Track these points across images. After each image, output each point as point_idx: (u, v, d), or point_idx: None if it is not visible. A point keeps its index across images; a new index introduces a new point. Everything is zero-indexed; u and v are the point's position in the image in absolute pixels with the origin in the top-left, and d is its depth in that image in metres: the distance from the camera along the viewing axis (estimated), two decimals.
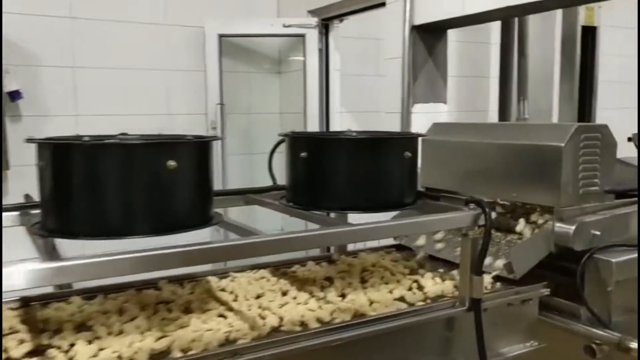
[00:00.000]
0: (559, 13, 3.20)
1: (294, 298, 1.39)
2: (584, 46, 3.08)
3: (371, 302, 1.37)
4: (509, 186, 1.69)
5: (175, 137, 1.21)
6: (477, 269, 1.34)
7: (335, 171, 1.40)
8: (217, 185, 3.66)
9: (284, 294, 1.43)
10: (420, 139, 1.56)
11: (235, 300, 1.38)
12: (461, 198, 1.44)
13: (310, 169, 1.43)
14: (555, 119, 3.55)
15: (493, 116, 3.88)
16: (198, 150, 1.21)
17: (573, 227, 1.52)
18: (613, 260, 1.51)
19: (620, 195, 1.70)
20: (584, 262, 1.53)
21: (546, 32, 3.22)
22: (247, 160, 3.84)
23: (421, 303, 1.40)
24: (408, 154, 1.42)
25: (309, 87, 3.63)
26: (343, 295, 1.42)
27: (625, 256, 1.54)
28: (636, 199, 1.71)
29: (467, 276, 1.35)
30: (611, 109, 3.38)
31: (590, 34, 3.09)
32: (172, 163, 1.12)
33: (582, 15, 3.01)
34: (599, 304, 1.52)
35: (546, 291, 1.54)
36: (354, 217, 1.41)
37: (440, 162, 1.91)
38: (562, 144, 1.55)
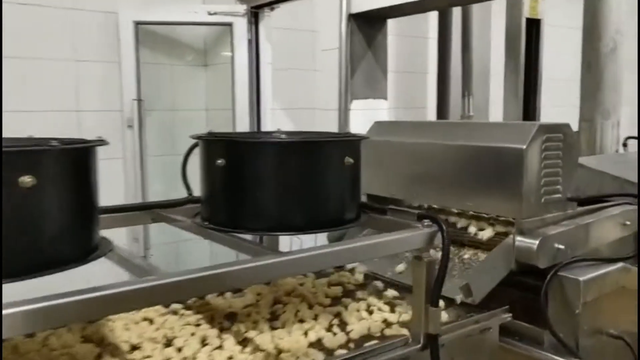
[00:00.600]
0: (503, 4, 3.07)
1: (179, 350, 1.09)
2: (529, 39, 2.96)
3: (279, 352, 1.09)
4: (463, 194, 1.50)
5: (34, 142, 0.88)
6: (434, 299, 1.11)
7: (260, 182, 1.12)
8: (135, 193, 3.26)
9: (168, 343, 1.12)
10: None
11: (98, 357, 1.06)
12: (412, 212, 1.21)
13: (229, 179, 1.14)
14: (494, 116, 3.44)
15: (432, 113, 3.74)
16: (69, 161, 0.89)
17: (537, 242, 1.34)
18: (581, 278, 1.34)
19: (581, 203, 1.54)
20: (548, 280, 1.34)
21: (490, 24, 3.09)
22: (169, 161, 3.47)
23: (342, 351, 1.11)
24: (349, 160, 1.16)
25: (237, 81, 3.32)
26: (245, 341, 1.13)
27: (593, 273, 1.37)
28: (599, 205, 1.55)
29: (422, 308, 1.12)
30: (553, 107, 3.31)
31: (534, 26, 2.98)
32: (27, 179, 0.81)
33: (527, 7, 2.88)
34: (565, 328, 1.35)
35: (508, 316, 1.34)
36: (286, 239, 1.14)
37: (384, 165, 1.70)
38: (524, 146, 1.36)
